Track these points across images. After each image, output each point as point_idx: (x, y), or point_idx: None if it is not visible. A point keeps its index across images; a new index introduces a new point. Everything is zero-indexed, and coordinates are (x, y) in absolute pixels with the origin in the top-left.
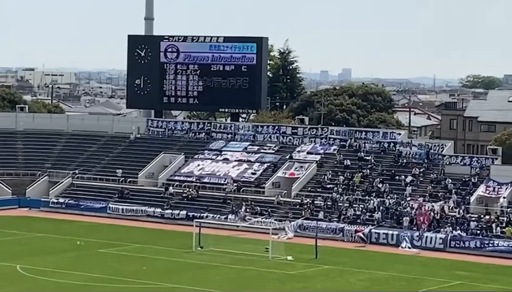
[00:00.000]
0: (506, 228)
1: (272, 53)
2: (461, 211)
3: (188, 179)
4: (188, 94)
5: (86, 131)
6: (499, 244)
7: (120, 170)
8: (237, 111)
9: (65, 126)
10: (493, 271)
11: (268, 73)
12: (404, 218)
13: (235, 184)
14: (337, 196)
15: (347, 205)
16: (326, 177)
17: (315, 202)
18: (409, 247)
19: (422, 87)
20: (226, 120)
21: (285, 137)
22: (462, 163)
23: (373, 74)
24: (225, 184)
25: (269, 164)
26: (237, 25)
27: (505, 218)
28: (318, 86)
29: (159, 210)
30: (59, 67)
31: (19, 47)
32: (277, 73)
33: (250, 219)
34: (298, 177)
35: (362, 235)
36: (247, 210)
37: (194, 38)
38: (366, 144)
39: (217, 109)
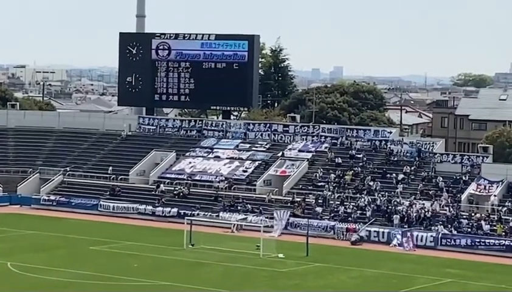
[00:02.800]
0: (497, 226)
1: (263, 51)
2: (452, 209)
3: (180, 176)
4: (179, 92)
5: (77, 128)
6: (490, 242)
7: (111, 167)
8: (228, 108)
9: (56, 123)
10: (484, 268)
11: (260, 71)
12: (394, 216)
13: (226, 182)
14: (328, 193)
15: (338, 203)
16: (317, 175)
17: (307, 200)
18: (399, 245)
19: (413, 85)
20: (217, 117)
21: (276, 135)
22: (453, 161)
23: (364, 72)
24: (217, 182)
25: (260, 162)
26: (229, 23)
27: (496, 216)
28: (309, 84)
29: (150, 207)
30: (51, 64)
31: (10, 44)
32: (269, 71)
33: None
34: (289, 175)
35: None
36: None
37: (186, 35)
38: (357, 142)
39: (208, 106)
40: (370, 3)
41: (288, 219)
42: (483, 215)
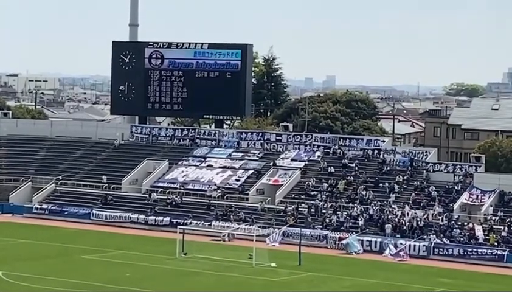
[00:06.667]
0: (490, 235)
1: (256, 60)
2: (444, 218)
3: (172, 185)
4: (172, 100)
5: (70, 137)
6: (483, 252)
7: (105, 177)
8: (221, 117)
9: (48, 132)
10: (477, 278)
11: (252, 80)
12: (387, 225)
13: (219, 191)
14: (321, 203)
15: (331, 212)
16: (310, 184)
17: (299, 209)
18: (391, 255)
19: (406, 94)
20: (210, 126)
21: (269, 144)
22: (446, 170)
23: (357, 81)
24: (209, 191)
25: (253, 171)
26: (222, 32)
27: (488, 226)
28: (302, 93)
29: (142, 216)
30: (43, 73)
31: (3, 52)
32: (262, 80)
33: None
34: (282, 184)
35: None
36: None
37: (179, 44)
38: (350, 151)
39: (201, 115)
40: (362, 13)
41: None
42: (475, 225)
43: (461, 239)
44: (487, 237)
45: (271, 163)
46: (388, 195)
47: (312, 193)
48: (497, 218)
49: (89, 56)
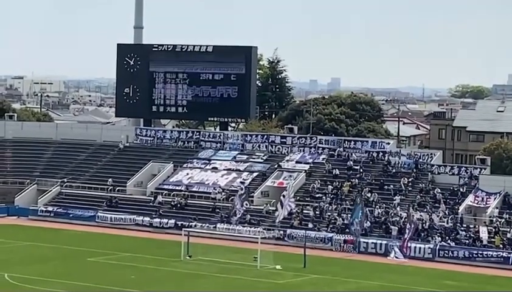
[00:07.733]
0: (495, 237)
1: (261, 62)
2: (449, 221)
3: (177, 187)
4: (177, 103)
5: (75, 139)
6: (488, 254)
7: (111, 179)
8: (226, 120)
9: (54, 134)
10: (482, 280)
11: (257, 82)
12: (392, 227)
13: (224, 193)
14: (326, 205)
15: (336, 214)
16: (314, 186)
17: (304, 211)
18: (396, 257)
19: (411, 96)
20: (215, 129)
21: (274, 146)
22: (451, 173)
23: (362, 83)
24: (214, 193)
25: (257, 173)
26: (226, 34)
27: (493, 228)
28: (307, 95)
29: (147, 218)
30: (48, 76)
31: (8, 55)
32: (266, 82)
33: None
34: (286, 187)
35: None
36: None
37: (184, 46)
38: (355, 153)
39: (206, 118)
40: (367, 15)
41: (291, 209)
42: (480, 226)
43: (467, 241)
44: (492, 239)
45: (276, 166)
46: (393, 197)
47: (317, 195)
48: (503, 220)
49: (94, 59)
